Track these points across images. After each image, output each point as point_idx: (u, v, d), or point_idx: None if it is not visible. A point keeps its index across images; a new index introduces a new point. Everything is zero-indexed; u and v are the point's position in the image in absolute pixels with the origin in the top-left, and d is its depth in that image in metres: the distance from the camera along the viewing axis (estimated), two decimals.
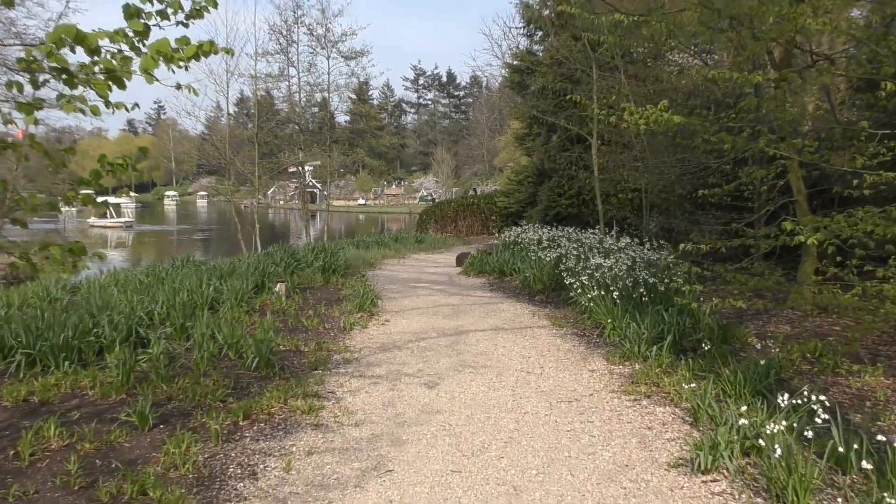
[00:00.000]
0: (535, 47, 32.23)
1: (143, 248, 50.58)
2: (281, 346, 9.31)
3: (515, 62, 32.85)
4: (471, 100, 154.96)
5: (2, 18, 36.32)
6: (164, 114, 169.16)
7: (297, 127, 31.10)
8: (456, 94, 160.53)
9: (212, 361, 8.23)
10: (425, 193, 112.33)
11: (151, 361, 7.84)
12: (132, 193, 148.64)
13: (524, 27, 32.51)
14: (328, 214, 35.40)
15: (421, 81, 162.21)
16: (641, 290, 10.19)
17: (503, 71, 40.03)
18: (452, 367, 8.51)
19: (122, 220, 69.22)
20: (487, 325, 11.26)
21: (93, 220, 67.69)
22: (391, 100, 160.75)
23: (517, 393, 7.35)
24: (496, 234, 29.01)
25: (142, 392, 6.95)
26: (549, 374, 8.07)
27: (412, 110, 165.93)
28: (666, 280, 10.67)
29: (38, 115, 4.08)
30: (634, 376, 7.67)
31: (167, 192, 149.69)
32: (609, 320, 9.76)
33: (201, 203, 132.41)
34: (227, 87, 26.80)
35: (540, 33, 31.39)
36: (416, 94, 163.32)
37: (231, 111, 36.32)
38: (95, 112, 4.10)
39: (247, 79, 28.86)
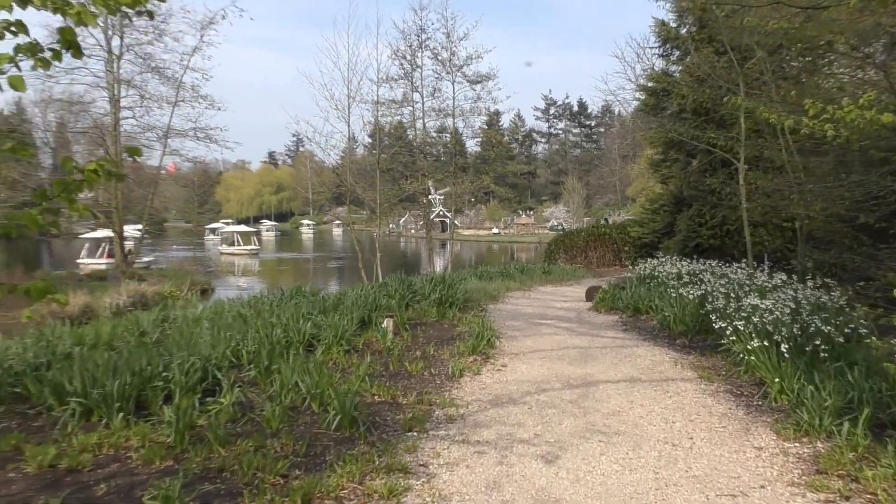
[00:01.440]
0: (672, 67, 30.21)
1: (267, 276, 50.96)
2: (375, 397, 7.98)
3: (650, 84, 30.91)
4: (602, 129, 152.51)
5: (140, 53, 37.59)
6: (303, 146, 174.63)
7: (421, 153, 30.19)
8: (587, 123, 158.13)
9: (288, 416, 6.97)
10: (555, 223, 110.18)
11: (217, 415, 6.66)
12: (271, 222, 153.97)
13: (659, 47, 30.54)
14: (452, 244, 34.49)
15: (552, 111, 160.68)
16: (817, 341, 8.21)
17: (637, 94, 37.91)
18: (578, 431, 6.91)
19: (250, 247, 70.98)
20: (621, 374, 9.58)
21: (223, 247, 69.66)
22: (521, 129, 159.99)
23: (661, 477, 5.68)
24: (629, 266, 27.03)
25: (193, 457, 5.74)
26: (701, 450, 6.34)
27: (543, 140, 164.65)
28: (845, 329, 8.64)
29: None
30: (820, 462, 5.81)
31: (303, 221, 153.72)
32: (776, 379, 7.86)
33: (337, 232, 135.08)
34: (349, 113, 26.13)
35: (677, 52, 29.42)
36: (546, 124, 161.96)
37: (365, 141, 36.01)
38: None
39: (369, 105, 28.16)
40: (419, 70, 31.05)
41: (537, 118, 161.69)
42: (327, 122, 38.20)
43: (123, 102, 36.97)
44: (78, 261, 45.07)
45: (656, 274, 17.71)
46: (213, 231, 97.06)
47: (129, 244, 46.13)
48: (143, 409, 7.07)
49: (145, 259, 49.71)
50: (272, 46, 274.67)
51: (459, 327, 13.09)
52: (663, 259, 19.37)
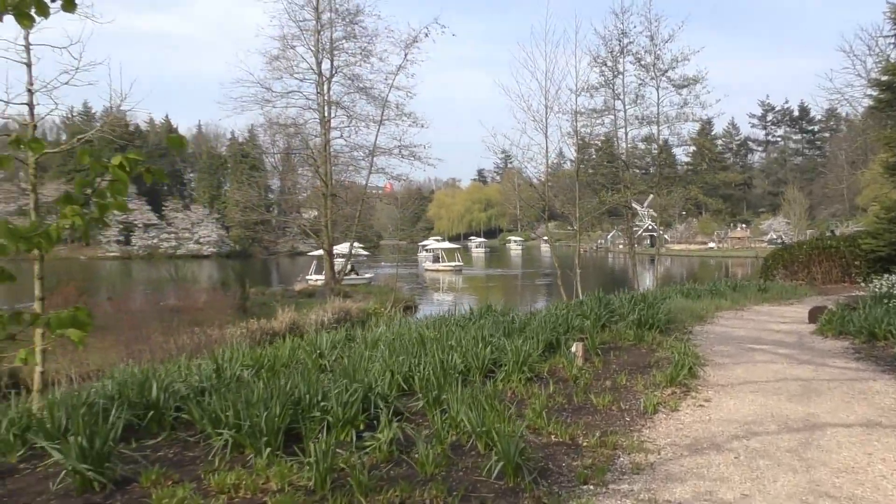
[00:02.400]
0: None
1: (469, 292, 50.93)
2: (552, 436, 6.98)
3: (885, 77, 27.65)
4: (827, 133, 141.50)
5: (349, 74, 38.85)
6: (511, 163, 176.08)
7: (624, 164, 28.78)
8: (809, 128, 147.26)
9: (448, 459, 6.13)
10: (774, 236, 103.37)
11: (370, 453, 5.96)
12: (479, 238, 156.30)
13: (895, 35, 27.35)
14: (657, 259, 32.46)
15: (769, 118, 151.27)
16: None
17: (868, 91, 34.17)
18: (798, 493, 5.56)
19: (454, 264, 72.32)
20: (854, 415, 7.95)
21: (427, 264, 71.16)
22: (736, 138, 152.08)
23: None
24: (860, 283, 24.13)
25: None
26: None
27: (759, 148, 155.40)
28: None
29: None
30: None
31: (510, 238, 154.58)
32: None
33: (545, 248, 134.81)
34: (546, 123, 25.28)
35: None
36: (763, 132, 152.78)
37: (564, 153, 35.13)
38: None
39: (567, 115, 27.16)
40: (621, 77, 29.76)
41: (753, 125, 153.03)
42: (524, 133, 37.49)
43: (332, 123, 38.34)
44: (307, 277, 48.44)
45: None
46: (425, 248, 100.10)
47: (339, 262, 48.41)
48: (299, 441, 6.50)
49: (367, 275, 52.29)
50: (473, 64, 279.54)
51: (658, 352, 11.75)
52: None
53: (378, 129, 38.12)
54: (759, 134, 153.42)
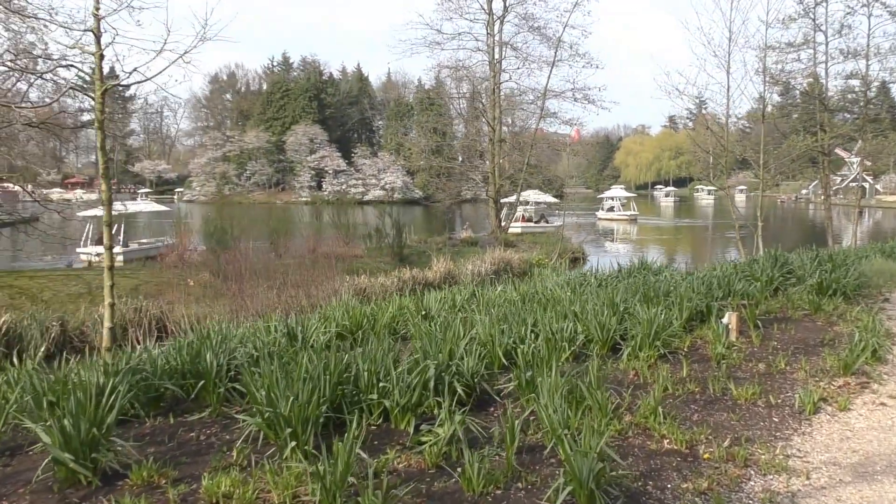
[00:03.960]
0: None
1: (643, 244, 48.23)
2: (664, 441, 5.42)
3: None
4: None
5: (521, 13, 36.99)
6: (706, 108, 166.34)
7: (822, 104, 25.35)
8: None
9: (512, 471, 4.76)
10: None
11: (423, 453, 4.73)
12: (669, 188, 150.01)
13: None
14: (856, 212, 28.68)
15: None
16: None
17: None
18: None
19: (628, 213, 69.78)
20: None
21: (601, 213, 68.69)
22: None
23: None
24: None
25: None
26: None
27: None
28: None
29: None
30: None
31: (699, 187, 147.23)
32: None
33: (739, 198, 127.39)
34: (729, 59, 22.50)
35: None
36: None
37: (748, 92, 31.73)
38: None
39: (755, 50, 24.12)
40: (824, 4, 26.08)
41: None
42: (703, 70, 34.24)
43: (502, 66, 36.86)
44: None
45: None
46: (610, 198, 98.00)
47: (526, 210, 47.85)
48: (342, 432, 5.33)
49: (556, 223, 51.52)
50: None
51: (838, 326, 9.62)
52: None
53: (551, 71, 36.26)
54: None
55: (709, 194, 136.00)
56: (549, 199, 54.94)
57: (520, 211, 46.76)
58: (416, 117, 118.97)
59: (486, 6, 35.78)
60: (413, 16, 42.09)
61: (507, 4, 35.86)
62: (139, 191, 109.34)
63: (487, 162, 44.41)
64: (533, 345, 7.37)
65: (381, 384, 5.81)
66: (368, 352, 6.51)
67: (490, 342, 7.46)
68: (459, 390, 6.04)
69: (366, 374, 5.88)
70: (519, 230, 44.33)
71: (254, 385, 5.62)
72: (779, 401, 6.46)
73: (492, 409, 6.30)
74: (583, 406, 5.80)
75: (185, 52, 8.07)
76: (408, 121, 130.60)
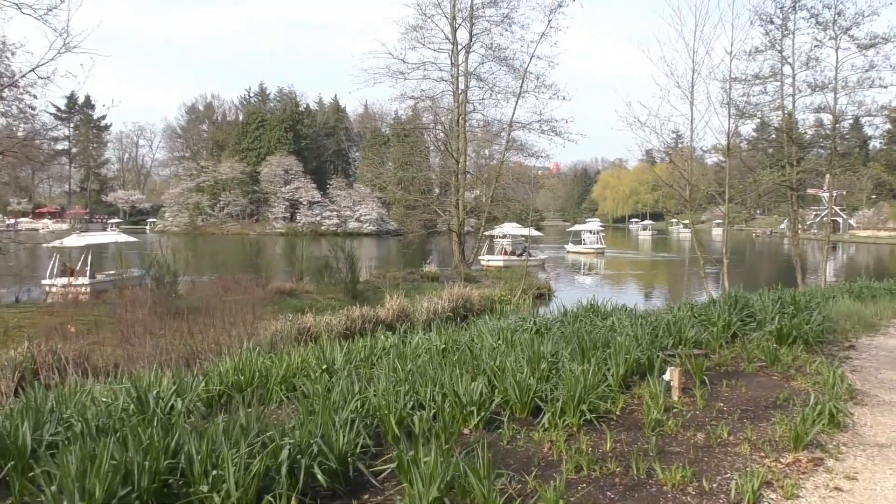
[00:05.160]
0: None
1: (611, 280, 47.62)
2: None
3: None
4: None
5: (486, 43, 36.30)
6: (681, 142, 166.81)
7: (788, 138, 24.63)
8: None
9: None
10: None
11: None
12: (645, 221, 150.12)
13: None
14: (827, 246, 27.90)
15: None
16: None
17: None
18: None
19: (595, 247, 70.72)
20: None
21: (570, 246, 68.59)
22: None
23: None
24: None
25: None
26: None
27: None
28: None
29: None
30: None
31: (674, 220, 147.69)
32: None
33: (716, 231, 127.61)
34: (692, 90, 21.76)
35: None
36: None
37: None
38: None
39: (719, 81, 23.42)
40: (791, 36, 25.51)
41: None
42: (666, 101, 33.71)
43: (468, 96, 36.11)
44: (479, 257, 47.83)
45: None
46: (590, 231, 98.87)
47: (504, 243, 47.98)
48: None
49: (541, 256, 51.71)
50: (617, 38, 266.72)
51: (796, 381, 8.60)
52: None
53: (517, 102, 35.54)
54: None
55: (685, 228, 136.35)
56: (533, 232, 55.17)
57: (502, 244, 46.68)
58: (392, 149, 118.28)
59: (450, 36, 35.09)
60: (375, 45, 41.51)
61: (473, 34, 35.24)
62: (109, 221, 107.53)
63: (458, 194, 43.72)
64: (434, 411, 6.28)
65: (215, 472, 4.67)
66: (230, 422, 5.41)
67: (385, 407, 6.34)
68: (320, 476, 4.92)
69: (197, 459, 4.74)
70: (501, 263, 44.25)
71: (46, 478, 4.47)
72: (713, 486, 5.36)
73: (366, 496, 5.17)
74: (469, 498, 4.70)
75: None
76: (384, 152, 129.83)
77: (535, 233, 57.77)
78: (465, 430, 6.45)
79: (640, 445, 6.11)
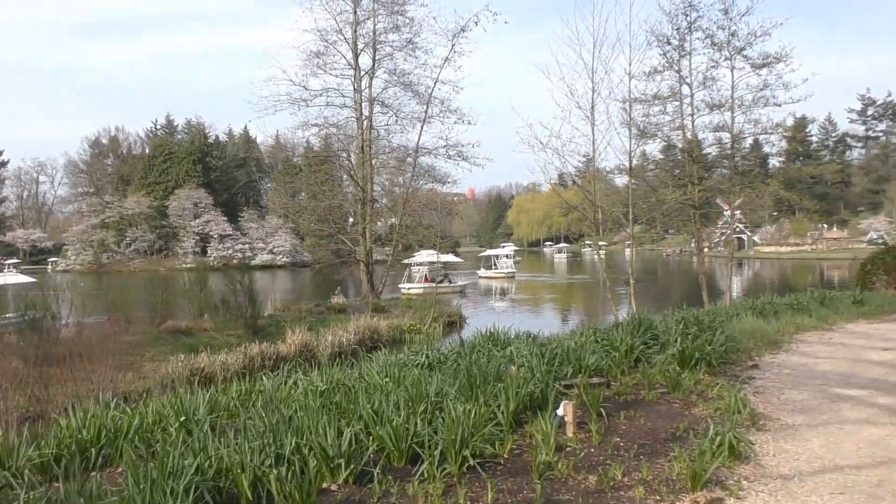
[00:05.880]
0: None
1: (522, 304, 47.55)
2: None
3: None
4: None
5: (389, 69, 35.85)
6: (604, 168, 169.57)
7: (689, 157, 24.80)
8: None
9: None
10: (874, 236, 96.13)
11: None
12: (560, 244, 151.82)
13: None
14: (731, 263, 28.22)
15: (870, 112, 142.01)
16: None
17: None
18: None
19: (506, 271, 71.36)
20: None
21: (481, 272, 68.83)
22: (833, 134, 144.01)
23: None
24: None
25: None
26: None
27: (859, 145, 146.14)
28: None
29: None
30: None
31: (587, 242, 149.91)
32: None
33: (628, 252, 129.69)
34: (593, 111, 21.64)
35: None
36: (863, 127, 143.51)
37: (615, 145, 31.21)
38: None
39: (620, 102, 23.42)
40: (688, 57, 25.79)
41: (852, 121, 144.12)
42: (567, 122, 33.60)
43: (372, 122, 35.51)
44: (400, 286, 48.90)
45: None
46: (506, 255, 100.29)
47: (420, 270, 47.91)
48: None
49: (461, 283, 51.94)
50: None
51: (697, 408, 8.14)
52: None
53: (422, 128, 35.12)
54: (859, 129, 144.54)
55: (599, 250, 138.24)
56: (451, 258, 55.61)
57: (420, 271, 46.51)
58: (304, 178, 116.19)
59: (352, 61, 34.50)
60: (276, 71, 40.67)
61: (376, 59, 34.73)
62: (6, 262, 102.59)
63: (380, 222, 43.05)
64: (293, 468, 5.50)
65: None
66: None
67: (239, 466, 5.53)
68: None
69: None
70: (420, 290, 44.09)
71: None
72: None
73: None
74: None
75: None
76: (296, 182, 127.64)
77: (453, 259, 58.00)
78: (333, 486, 5.71)
79: (524, 495, 5.47)
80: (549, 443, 6.45)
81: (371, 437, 6.31)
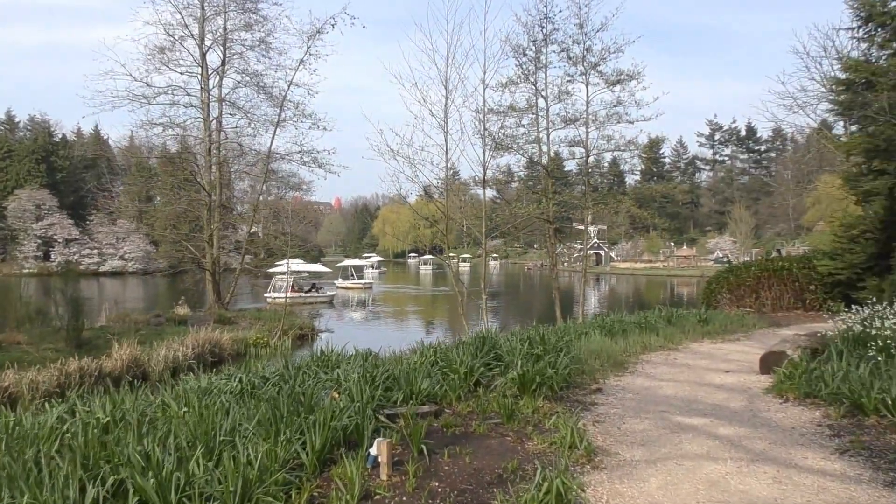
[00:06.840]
0: (878, 53, 23.30)
1: (377, 316, 46.77)
2: None
3: (845, 76, 24.02)
4: (773, 154, 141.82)
5: (240, 69, 34.18)
6: (458, 178, 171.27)
7: (545, 171, 24.60)
8: (756, 148, 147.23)
9: None
10: (720, 255, 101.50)
11: None
12: (426, 256, 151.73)
13: (859, 27, 23.78)
14: (584, 279, 28.29)
15: (717, 136, 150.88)
16: None
17: (829, 88, 30.18)
18: None
19: (363, 281, 71.12)
20: None
21: (339, 281, 68.02)
22: (684, 157, 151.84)
23: None
24: (824, 314, 20.49)
25: None
26: None
27: (707, 167, 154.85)
28: None
29: None
30: None
31: (451, 255, 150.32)
32: None
33: (493, 265, 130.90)
34: (447, 119, 20.99)
35: (884, 32, 22.79)
36: (711, 150, 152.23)
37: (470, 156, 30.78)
38: None
39: (475, 112, 22.92)
40: (544, 70, 25.64)
41: (701, 145, 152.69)
42: (420, 130, 32.94)
43: (222, 123, 33.74)
44: (265, 295, 48.38)
45: (876, 332, 11.23)
46: (372, 266, 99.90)
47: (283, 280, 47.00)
48: None
49: (329, 293, 50.82)
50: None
51: (532, 442, 7.39)
52: (880, 307, 12.76)
53: (275, 132, 33.64)
54: (707, 153, 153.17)
55: (465, 262, 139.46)
56: (318, 268, 54.92)
57: (285, 280, 44.97)
58: (160, 182, 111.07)
59: (199, 59, 32.61)
60: (113, 64, 38.22)
61: (226, 58, 32.99)
62: None
63: (242, 229, 40.95)
64: None
65: None
66: None
67: None
68: None
69: None
70: (286, 300, 42.49)
71: None
72: None
73: None
74: None
75: None
76: (152, 185, 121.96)
77: (321, 269, 56.87)
78: None
79: None
80: (352, 491, 5.49)
81: (132, 493, 5.15)
